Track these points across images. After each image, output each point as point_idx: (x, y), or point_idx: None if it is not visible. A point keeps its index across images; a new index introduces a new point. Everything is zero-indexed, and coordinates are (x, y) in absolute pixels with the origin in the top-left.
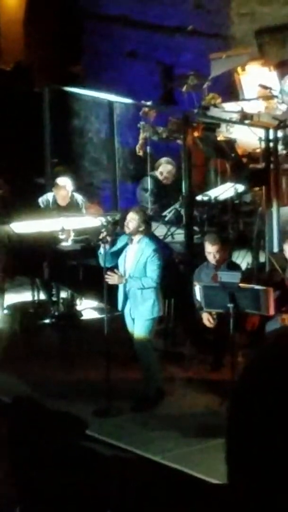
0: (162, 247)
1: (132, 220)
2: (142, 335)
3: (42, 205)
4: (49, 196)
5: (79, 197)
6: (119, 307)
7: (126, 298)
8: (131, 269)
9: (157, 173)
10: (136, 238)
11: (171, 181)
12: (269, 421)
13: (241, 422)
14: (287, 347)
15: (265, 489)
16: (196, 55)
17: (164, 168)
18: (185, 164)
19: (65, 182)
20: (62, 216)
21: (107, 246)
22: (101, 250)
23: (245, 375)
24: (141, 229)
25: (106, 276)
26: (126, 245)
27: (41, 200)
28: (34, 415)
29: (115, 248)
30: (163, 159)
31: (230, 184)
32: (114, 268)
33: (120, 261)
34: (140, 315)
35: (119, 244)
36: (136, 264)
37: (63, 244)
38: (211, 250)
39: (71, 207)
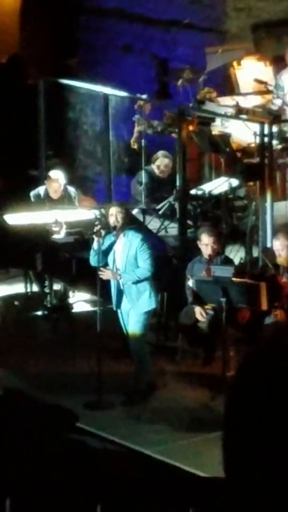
0: (154, 240)
1: (119, 213)
2: (137, 328)
3: (33, 199)
4: (40, 189)
5: (72, 190)
6: (114, 306)
7: (119, 296)
8: (122, 264)
9: (153, 167)
10: (121, 232)
11: (167, 174)
12: (267, 414)
13: (239, 415)
14: (281, 342)
15: (264, 482)
16: (192, 49)
17: (161, 162)
18: (180, 158)
19: (57, 175)
20: (56, 209)
21: (101, 240)
22: (95, 245)
23: (242, 370)
24: (123, 222)
25: (99, 272)
26: (113, 243)
27: (33, 194)
28: (24, 408)
29: (103, 247)
30: (160, 153)
31: (224, 178)
32: (104, 266)
33: (110, 259)
34: (136, 309)
35: (106, 243)
36: (126, 257)
37: (56, 236)
38: (207, 242)
39: (64, 200)
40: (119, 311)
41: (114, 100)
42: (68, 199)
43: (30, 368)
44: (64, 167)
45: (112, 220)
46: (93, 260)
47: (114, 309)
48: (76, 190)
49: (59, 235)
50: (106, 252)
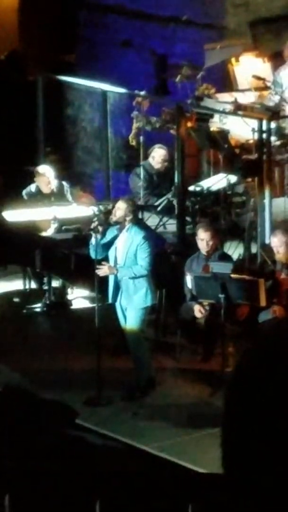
0: (154, 237)
1: (119, 209)
2: (134, 324)
3: (26, 197)
4: (32, 187)
5: (65, 184)
6: (110, 299)
7: (117, 290)
8: (122, 258)
9: (149, 159)
10: (125, 227)
11: (164, 166)
12: (266, 410)
13: (237, 411)
14: (280, 338)
15: (261, 477)
16: (190, 45)
17: (156, 153)
18: (178, 154)
19: (44, 170)
20: (54, 205)
21: (99, 236)
22: (93, 241)
23: (241, 366)
24: (128, 218)
25: (96, 268)
26: (115, 237)
27: (25, 192)
28: (24, 404)
29: (105, 240)
30: (156, 145)
31: (223, 174)
32: (104, 260)
33: (111, 252)
34: (133, 305)
35: (108, 236)
36: (126, 253)
37: (44, 233)
38: (204, 237)
39: (57, 194)
40: (116, 305)
41: (113, 97)
42: (60, 193)
43: (29, 364)
44: (62, 164)
45: (115, 214)
46: (92, 254)
47: (110, 302)
48: (74, 187)
49: (45, 232)
50: (108, 245)
